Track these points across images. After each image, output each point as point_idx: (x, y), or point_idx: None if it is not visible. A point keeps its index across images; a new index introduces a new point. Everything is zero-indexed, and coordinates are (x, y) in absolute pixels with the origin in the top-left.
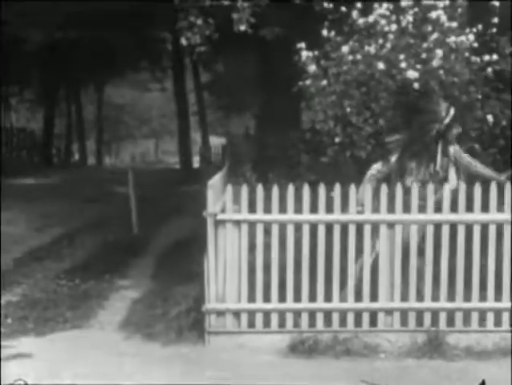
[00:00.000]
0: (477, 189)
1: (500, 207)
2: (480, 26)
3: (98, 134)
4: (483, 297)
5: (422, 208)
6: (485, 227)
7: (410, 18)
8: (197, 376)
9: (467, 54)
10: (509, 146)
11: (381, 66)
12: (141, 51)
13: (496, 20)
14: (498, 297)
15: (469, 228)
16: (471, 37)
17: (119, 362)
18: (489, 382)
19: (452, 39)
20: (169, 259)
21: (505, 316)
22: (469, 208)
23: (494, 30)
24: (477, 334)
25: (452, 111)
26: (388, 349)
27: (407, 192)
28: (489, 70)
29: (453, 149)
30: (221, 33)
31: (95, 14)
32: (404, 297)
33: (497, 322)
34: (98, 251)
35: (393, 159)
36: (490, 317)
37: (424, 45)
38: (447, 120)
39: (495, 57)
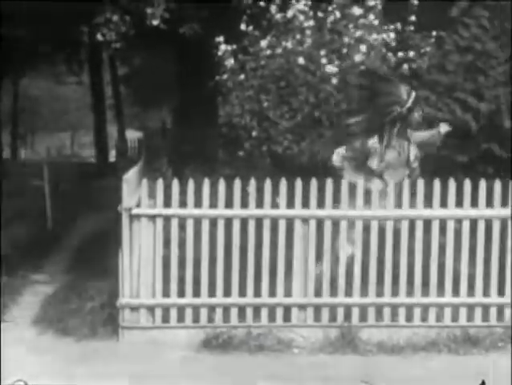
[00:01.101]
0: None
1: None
2: (398, 24)
3: (13, 127)
4: (395, 292)
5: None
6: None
7: (326, 15)
8: (108, 371)
9: (384, 50)
10: None
11: (301, 61)
12: (58, 44)
13: (413, 18)
14: (410, 292)
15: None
16: (392, 35)
17: (23, 356)
18: (401, 376)
19: (369, 36)
20: (84, 254)
21: (417, 311)
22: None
23: (412, 28)
24: (389, 329)
25: (413, 94)
26: (302, 344)
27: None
28: (405, 67)
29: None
30: (138, 28)
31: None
32: (318, 292)
33: (409, 318)
34: (11, 246)
35: (357, 143)
36: (402, 312)
37: (342, 41)
38: (409, 103)
39: (411, 54)
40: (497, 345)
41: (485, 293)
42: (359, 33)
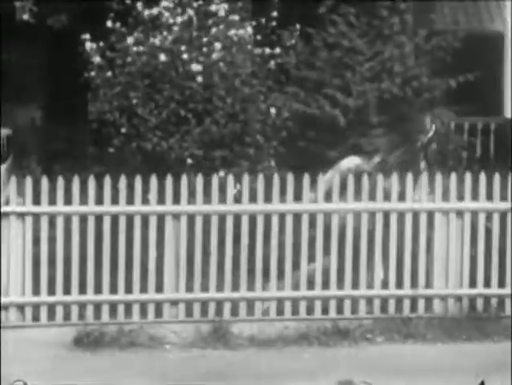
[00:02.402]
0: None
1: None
2: (261, 20)
3: None
4: (266, 287)
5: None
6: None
7: (192, 12)
8: None
9: (249, 47)
10: (290, 138)
11: (163, 58)
12: None
13: (275, 14)
14: (281, 286)
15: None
16: (250, 30)
17: None
18: (272, 370)
19: (233, 32)
20: None
21: (288, 305)
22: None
23: (275, 23)
24: (260, 323)
25: (433, 127)
26: (174, 340)
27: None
28: (272, 63)
29: None
30: (6, 22)
31: None
32: (190, 287)
33: (280, 311)
34: None
35: (376, 158)
36: (273, 306)
37: (207, 38)
38: (430, 134)
39: (278, 50)
40: (365, 336)
41: (353, 286)
42: (219, 28)
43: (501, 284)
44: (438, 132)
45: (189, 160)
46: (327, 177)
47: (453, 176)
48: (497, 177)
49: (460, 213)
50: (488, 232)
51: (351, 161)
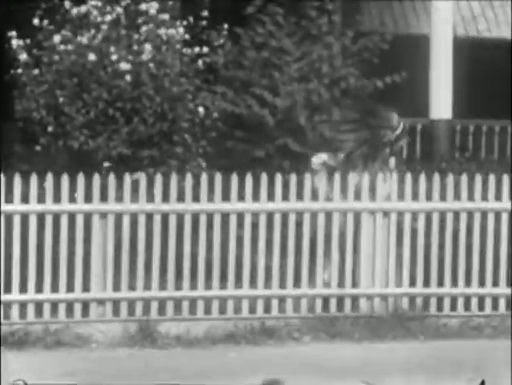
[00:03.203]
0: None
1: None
2: (191, 19)
3: None
4: (193, 286)
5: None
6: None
7: (121, 10)
8: None
9: (179, 46)
10: (218, 137)
11: (92, 57)
12: None
13: (206, 13)
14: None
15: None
16: (181, 30)
17: None
18: (198, 369)
19: (163, 31)
20: None
21: (216, 304)
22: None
23: (204, 23)
24: (187, 323)
25: (401, 124)
26: (100, 339)
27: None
28: (200, 62)
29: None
30: None
31: None
32: (117, 286)
33: (208, 310)
34: None
35: (342, 154)
36: (201, 305)
37: (136, 37)
38: (398, 131)
39: (206, 49)
40: (292, 335)
41: (281, 285)
42: (148, 28)
43: (426, 283)
44: (405, 130)
45: (108, 161)
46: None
47: (380, 176)
48: (422, 177)
49: (386, 213)
50: (413, 232)
51: (318, 158)
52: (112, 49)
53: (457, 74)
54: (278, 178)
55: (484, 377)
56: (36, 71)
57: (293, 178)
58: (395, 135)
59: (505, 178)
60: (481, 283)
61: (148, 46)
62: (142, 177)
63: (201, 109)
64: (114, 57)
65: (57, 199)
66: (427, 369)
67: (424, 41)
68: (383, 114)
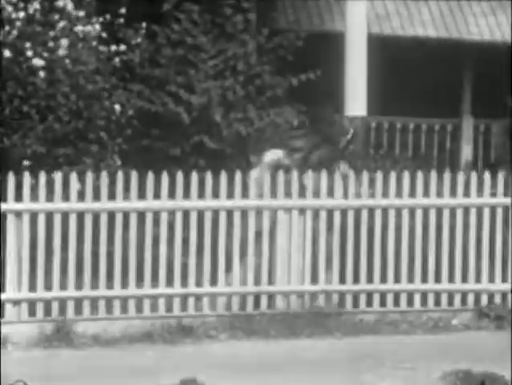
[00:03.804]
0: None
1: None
2: (108, 16)
3: None
4: (110, 286)
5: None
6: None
7: (37, 6)
8: None
9: (95, 43)
10: (134, 135)
11: (7, 53)
12: None
13: (123, 11)
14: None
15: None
16: (97, 27)
17: None
18: (113, 368)
19: (79, 28)
20: None
21: (132, 303)
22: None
23: (122, 20)
24: (104, 322)
25: (352, 129)
26: (17, 340)
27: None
28: (117, 60)
29: None
30: None
31: None
32: (33, 286)
33: (124, 310)
34: None
35: (297, 156)
36: (117, 304)
37: (51, 33)
38: (349, 136)
39: (123, 47)
40: (209, 333)
41: (198, 283)
42: (63, 24)
43: (342, 280)
44: (356, 134)
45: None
46: (256, 175)
47: (295, 174)
48: (338, 175)
49: (302, 211)
50: (329, 229)
51: (274, 154)
52: (27, 45)
53: (371, 72)
54: (194, 176)
55: (401, 371)
56: None
57: (208, 176)
58: (346, 140)
59: (419, 175)
60: (397, 280)
61: (63, 43)
62: (57, 176)
63: (116, 107)
64: (29, 53)
65: None
66: (344, 364)
67: (339, 38)
68: (337, 119)
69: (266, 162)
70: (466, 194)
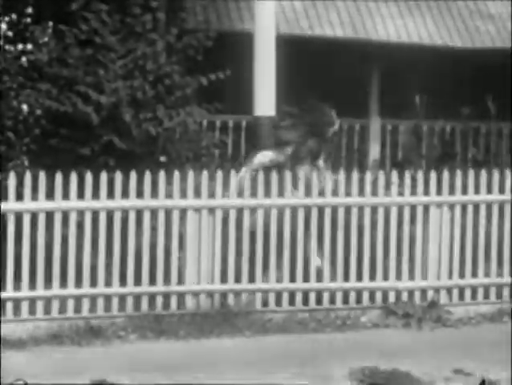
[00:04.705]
0: None
1: None
2: (14, 16)
3: None
4: (17, 287)
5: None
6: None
7: None
8: None
9: (1, 42)
10: (43, 136)
11: None
12: None
13: (30, 10)
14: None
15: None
16: (3, 26)
17: None
18: (19, 372)
19: None
20: None
21: (40, 304)
22: None
23: (29, 19)
24: (11, 324)
25: (338, 121)
26: None
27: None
28: (24, 59)
29: None
30: None
31: None
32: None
33: (32, 311)
34: None
35: (289, 150)
36: (24, 305)
37: None
38: (335, 127)
39: (30, 46)
40: (118, 334)
41: (107, 284)
42: None
43: (252, 279)
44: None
45: None
46: (240, 175)
47: (205, 174)
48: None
49: (211, 210)
50: (239, 227)
51: (264, 156)
52: None
53: (280, 72)
54: (104, 176)
55: (310, 369)
56: None
57: (118, 176)
58: (332, 131)
59: (328, 175)
60: (306, 279)
61: None
62: None
63: (24, 107)
64: None
65: None
66: (254, 364)
67: (248, 38)
68: (325, 110)
69: (256, 163)
70: (374, 193)
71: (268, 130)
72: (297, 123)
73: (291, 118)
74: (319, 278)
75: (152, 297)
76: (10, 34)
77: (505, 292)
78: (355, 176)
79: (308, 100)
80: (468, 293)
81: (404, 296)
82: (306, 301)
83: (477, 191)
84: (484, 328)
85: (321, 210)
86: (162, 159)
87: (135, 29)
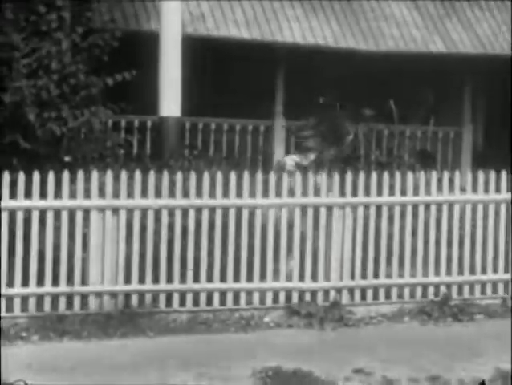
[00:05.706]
0: None
1: None
2: None
3: None
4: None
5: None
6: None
7: None
8: None
9: None
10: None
11: None
12: None
13: None
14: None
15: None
16: None
17: None
18: None
19: None
20: None
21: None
22: None
23: None
24: None
25: (353, 131)
26: None
27: None
28: None
29: None
30: None
31: None
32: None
33: None
34: None
35: (312, 156)
36: None
37: None
38: (351, 136)
39: None
40: (21, 335)
41: (9, 284)
42: None
43: (156, 280)
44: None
45: None
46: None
47: (109, 174)
48: (152, 175)
49: (115, 210)
50: (143, 229)
51: (291, 159)
52: None
53: (186, 73)
54: (6, 176)
55: (213, 370)
56: None
57: (21, 177)
58: (349, 140)
59: (232, 175)
60: (209, 279)
61: None
62: None
63: None
64: None
65: None
66: (156, 365)
67: (154, 38)
68: (342, 121)
69: (289, 165)
70: (278, 194)
71: (174, 130)
72: (316, 134)
73: (310, 128)
74: (223, 278)
75: (55, 298)
76: None
77: (406, 292)
78: (259, 177)
79: (326, 112)
80: (369, 294)
81: (307, 296)
82: (210, 301)
83: (379, 192)
84: (384, 327)
85: (225, 212)
86: (67, 159)
87: (40, 27)
